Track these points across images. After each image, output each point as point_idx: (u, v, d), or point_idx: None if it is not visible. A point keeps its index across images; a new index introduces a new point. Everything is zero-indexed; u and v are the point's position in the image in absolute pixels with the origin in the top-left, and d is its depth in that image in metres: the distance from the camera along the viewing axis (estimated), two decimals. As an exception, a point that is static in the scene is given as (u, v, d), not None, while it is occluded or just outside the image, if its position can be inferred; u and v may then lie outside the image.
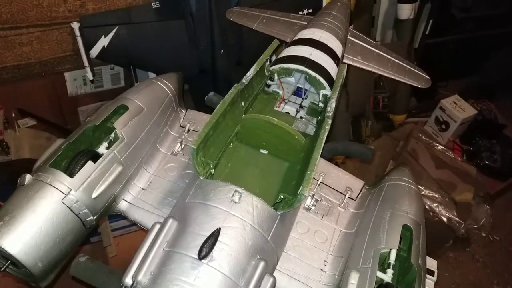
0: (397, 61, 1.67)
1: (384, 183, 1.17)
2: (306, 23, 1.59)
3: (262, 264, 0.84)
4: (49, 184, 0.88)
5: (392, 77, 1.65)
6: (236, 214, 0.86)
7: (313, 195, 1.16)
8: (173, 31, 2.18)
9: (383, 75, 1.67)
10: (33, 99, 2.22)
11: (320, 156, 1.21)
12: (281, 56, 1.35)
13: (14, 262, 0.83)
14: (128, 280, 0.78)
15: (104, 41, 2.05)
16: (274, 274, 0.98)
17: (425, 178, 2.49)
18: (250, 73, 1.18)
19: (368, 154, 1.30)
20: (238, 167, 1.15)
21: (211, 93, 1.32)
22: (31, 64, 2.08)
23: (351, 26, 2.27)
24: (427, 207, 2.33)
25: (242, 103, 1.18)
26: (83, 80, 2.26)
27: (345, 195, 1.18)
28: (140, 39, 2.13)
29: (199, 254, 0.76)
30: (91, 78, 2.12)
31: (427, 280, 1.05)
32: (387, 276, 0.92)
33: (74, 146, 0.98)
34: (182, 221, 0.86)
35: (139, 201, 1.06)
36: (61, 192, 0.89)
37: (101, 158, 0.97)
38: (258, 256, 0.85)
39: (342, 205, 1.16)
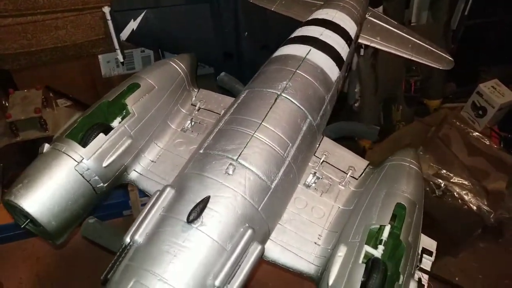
0: (418, 42, 1.66)
1: (386, 163, 1.20)
2: (323, 3, 1.61)
3: (249, 231, 0.92)
4: (64, 153, 1.00)
5: (412, 58, 1.64)
6: (229, 185, 0.94)
7: (315, 172, 1.21)
8: (198, 14, 2.26)
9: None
10: (70, 81, 2.40)
11: (325, 136, 1.26)
12: (292, 36, 1.39)
13: (32, 220, 0.96)
14: (127, 239, 0.88)
15: (133, 25, 2.17)
16: (268, 244, 1.05)
17: (456, 165, 2.44)
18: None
19: (374, 134, 1.33)
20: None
21: (223, 73, 1.39)
22: (67, 46, 2.24)
23: (381, 7, 2.26)
24: (456, 194, 2.29)
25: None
26: (115, 62, 2.41)
27: (347, 174, 1.22)
28: (167, 22, 2.23)
29: (188, 218, 0.84)
30: (121, 60, 2.26)
31: (424, 259, 1.08)
32: (377, 252, 0.96)
33: (89, 120, 1.09)
34: (179, 189, 0.95)
35: (149, 172, 1.17)
36: (74, 160, 1.01)
37: (112, 131, 1.08)
38: (247, 225, 0.93)
39: (343, 183, 1.21)
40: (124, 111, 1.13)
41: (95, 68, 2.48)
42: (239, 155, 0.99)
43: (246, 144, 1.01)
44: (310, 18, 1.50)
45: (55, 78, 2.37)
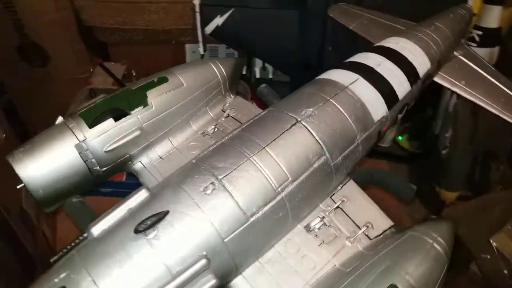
0: (515, 97, 1.39)
1: (408, 231, 1.02)
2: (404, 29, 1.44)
3: (203, 261, 0.85)
4: (70, 129, 1.05)
5: (501, 115, 1.39)
6: (201, 206, 0.88)
7: (323, 217, 1.08)
8: (285, 20, 2.23)
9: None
10: (156, 63, 2.55)
11: (353, 179, 1.13)
12: (347, 60, 1.27)
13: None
14: (90, 229, 0.88)
15: (218, 20, 2.21)
16: (238, 280, 0.97)
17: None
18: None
19: (408, 194, 1.14)
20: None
21: (263, 85, 1.33)
22: (157, 31, 2.38)
23: (496, 48, 1.97)
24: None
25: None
26: (200, 54, 2.47)
27: (361, 230, 1.07)
28: (252, 24, 2.23)
29: (136, 228, 0.81)
30: (202, 52, 2.32)
31: None
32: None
33: (108, 103, 1.13)
34: (153, 194, 0.93)
35: (153, 167, 1.16)
36: (77, 138, 1.04)
37: (122, 119, 1.09)
38: (204, 253, 0.86)
39: (352, 239, 1.06)
40: (143, 102, 1.13)
41: (181, 56, 2.60)
42: (225, 175, 0.93)
43: (238, 166, 0.94)
44: (377, 44, 1.35)
45: (143, 58, 2.54)
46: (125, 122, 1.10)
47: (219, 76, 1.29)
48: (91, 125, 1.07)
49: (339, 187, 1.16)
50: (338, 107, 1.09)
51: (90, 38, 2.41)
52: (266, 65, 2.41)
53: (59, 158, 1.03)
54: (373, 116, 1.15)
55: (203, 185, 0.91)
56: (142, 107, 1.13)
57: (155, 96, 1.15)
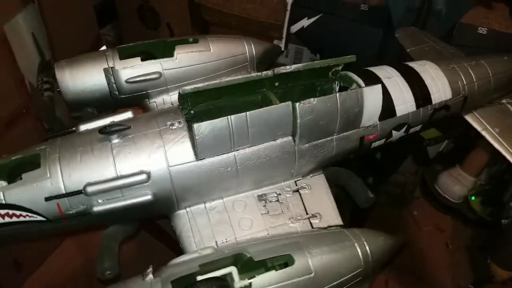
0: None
1: (343, 229, 1.10)
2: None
3: (143, 176, 1.07)
4: (105, 56, 1.35)
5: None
6: (161, 135, 1.10)
7: (279, 194, 1.21)
8: (367, 37, 2.32)
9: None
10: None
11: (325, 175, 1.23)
12: (366, 68, 1.36)
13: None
14: (78, 126, 1.17)
15: (305, 22, 2.40)
16: (181, 212, 1.16)
17: None
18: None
19: (364, 202, 1.20)
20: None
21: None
22: (250, 20, 2.65)
23: None
24: None
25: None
26: (286, 52, 2.69)
27: (307, 216, 1.17)
28: (336, 33, 2.37)
29: (100, 129, 1.06)
30: (282, 48, 2.53)
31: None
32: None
33: (143, 46, 1.41)
34: (135, 118, 1.17)
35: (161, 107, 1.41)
36: (107, 63, 1.34)
37: (148, 61, 1.36)
38: (148, 170, 1.08)
39: (294, 220, 1.17)
40: (170, 53, 1.39)
41: (268, 49, 2.81)
42: (192, 118, 1.13)
43: (211, 118, 1.13)
44: (405, 63, 1.41)
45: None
46: (149, 64, 1.36)
47: (247, 53, 1.48)
48: (121, 58, 1.36)
49: (309, 176, 1.26)
50: (338, 103, 1.18)
51: (196, 15, 2.80)
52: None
53: (90, 75, 1.34)
54: (363, 122, 1.23)
55: (171, 122, 1.13)
56: (168, 57, 1.39)
57: (181, 52, 1.40)
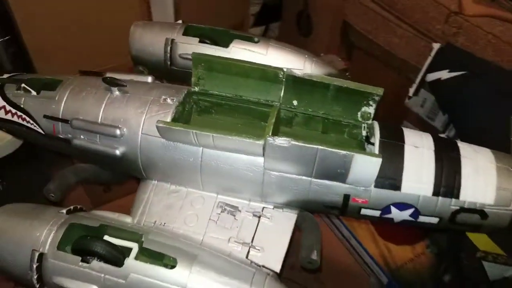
0: None
1: None
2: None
3: (117, 130, 1.20)
4: (170, 28, 1.54)
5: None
6: (149, 104, 1.22)
7: (240, 211, 1.20)
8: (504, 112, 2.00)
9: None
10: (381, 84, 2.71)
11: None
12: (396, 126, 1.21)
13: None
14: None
15: (444, 74, 2.21)
16: (147, 181, 1.27)
17: None
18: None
19: (307, 261, 1.08)
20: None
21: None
22: (393, 55, 2.53)
23: None
24: None
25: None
26: (423, 101, 2.48)
27: (249, 245, 1.14)
28: (473, 99, 2.11)
29: (103, 77, 1.22)
30: (410, 94, 2.37)
31: None
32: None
33: (210, 31, 1.55)
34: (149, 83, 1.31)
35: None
36: (171, 35, 1.52)
37: (203, 44, 1.49)
38: (124, 130, 1.21)
39: (233, 242, 1.15)
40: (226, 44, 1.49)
41: (404, 91, 2.65)
42: (184, 101, 1.21)
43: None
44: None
45: (371, 77, 2.75)
46: (203, 47, 1.48)
47: (304, 73, 1.45)
48: (184, 34, 1.51)
49: (281, 209, 1.20)
50: (317, 156, 1.07)
51: (346, 33, 2.80)
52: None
53: (153, 40, 1.53)
54: (350, 180, 1.10)
55: (166, 96, 1.22)
56: (223, 47, 1.47)
57: (237, 46, 1.47)
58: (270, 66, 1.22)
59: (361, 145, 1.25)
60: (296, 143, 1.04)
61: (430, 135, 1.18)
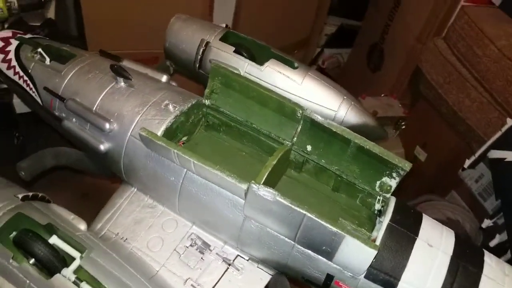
0: None
1: None
2: None
3: (107, 124, 1.10)
4: (210, 31, 1.41)
5: None
6: (147, 105, 1.11)
7: (210, 252, 1.07)
8: None
9: None
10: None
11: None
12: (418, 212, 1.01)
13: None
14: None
15: (510, 155, 1.96)
16: (128, 186, 1.16)
17: None
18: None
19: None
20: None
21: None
22: (459, 117, 2.29)
23: None
24: None
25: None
26: (479, 176, 2.23)
27: None
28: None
29: (112, 66, 1.12)
30: (465, 166, 2.13)
31: None
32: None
33: (250, 43, 1.42)
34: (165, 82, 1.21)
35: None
36: (208, 37, 1.40)
37: (237, 55, 1.35)
38: (114, 124, 1.11)
39: (188, 283, 1.01)
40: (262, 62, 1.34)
41: (462, 160, 2.39)
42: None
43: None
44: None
45: (430, 133, 2.52)
46: (236, 58, 1.34)
47: (336, 113, 1.28)
48: (221, 39, 1.38)
49: (256, 264, 1.06)
50: (302, 223, 0.91)
51: (416, 80, 2.57)
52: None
53: (188, 37, 1.41)
54: (336, 258, 0.92)
55: (169, 102, 1.10)
56: (258, 63, 1.33)
57: (271, 66, 1.31)
58: (289, 100, 1.07)
59: (372, 218, 1.07)
60: (282, 200, 0.87)
61: (453, 235, 0.96)
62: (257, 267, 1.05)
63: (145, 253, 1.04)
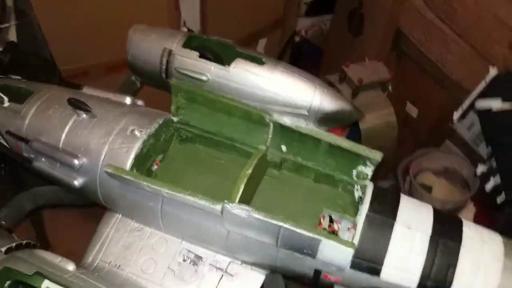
0: None
1: None
2: None
3: (75, 160, 1.08)
4: (170, 37, 1.36)
5: None
6: (115, 134, 1.08)
7: (203, 264, 1.07)
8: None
9: None
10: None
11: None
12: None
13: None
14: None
15: (495, 104, 1.93)
16: (112, 214, 1.15)
17: None
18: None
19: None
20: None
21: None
22: (443, 73, 2.24)
23: None
24: None
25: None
26: (470, 124, 2.19)
27: None
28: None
29: (68, 98, 1.09)
30: (454, 119, 2.12)
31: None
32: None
33: (211, 44, 1.38)
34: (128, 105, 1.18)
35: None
36: (170, 45, 1.34)
37: (203, 59, 1.30)
38: (84, 160, 1.09)
39: None
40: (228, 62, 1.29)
41: (452, 112, 2.35)
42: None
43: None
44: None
45: (418, 91, 2.48)
46: (201, 63, 1.29)
47: (311, 104, 1.24)
48: (184, 46, 1.33)
49: (249, 267, 1.08)
50: (279, 234, 0.94)
51: (397, 41, 2.50)
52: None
53: (150, 47, 1.35)
54: (318, 258, 0.94)
55: (135, 128, 1.08)
56: (223, 65, 1.29)
57: (238, 66, 1.27)
58: (255, 108, 1.05)
59: (356, 204, 1.08)
60: (256, 215, 0.87)
61: (432, 210, 0.97)
62: (251, 269, 1.07)
63: (140, 276, 1.05)
